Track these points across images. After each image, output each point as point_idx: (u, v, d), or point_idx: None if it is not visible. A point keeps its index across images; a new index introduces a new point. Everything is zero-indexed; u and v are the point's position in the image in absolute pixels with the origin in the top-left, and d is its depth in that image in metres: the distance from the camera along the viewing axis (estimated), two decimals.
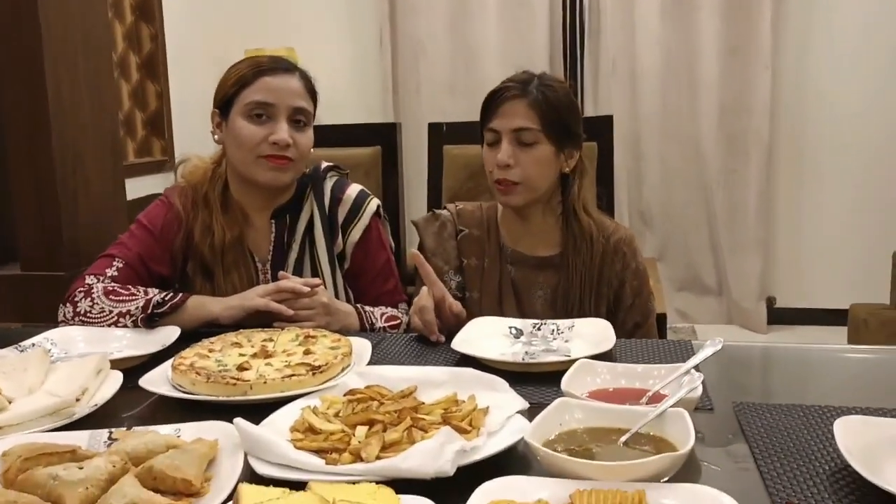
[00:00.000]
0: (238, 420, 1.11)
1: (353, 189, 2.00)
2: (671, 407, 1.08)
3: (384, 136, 2.39)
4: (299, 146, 1.84)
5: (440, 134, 2.41)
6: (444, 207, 2.08)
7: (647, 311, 1.94)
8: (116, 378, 1.41)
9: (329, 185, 1.98)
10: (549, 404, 1.14)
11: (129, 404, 1.38)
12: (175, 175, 1.99)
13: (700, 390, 1.17)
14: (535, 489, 0.94)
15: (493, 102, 1.87)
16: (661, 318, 2.26)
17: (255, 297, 1.72)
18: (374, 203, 2.01)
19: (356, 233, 1.96)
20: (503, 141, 1.84)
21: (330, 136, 2.37)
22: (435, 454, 1.01)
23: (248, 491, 0.92)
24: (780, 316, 4.64)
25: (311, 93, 1.91)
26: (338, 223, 1.95)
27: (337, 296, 1.92)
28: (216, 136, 1.91)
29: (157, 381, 1.41)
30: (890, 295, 3.75)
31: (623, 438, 1.06)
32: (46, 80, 2.33)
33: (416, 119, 4.67)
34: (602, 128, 2.27)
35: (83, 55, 2.48)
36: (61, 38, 2.40)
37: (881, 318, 3.61)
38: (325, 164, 2.01)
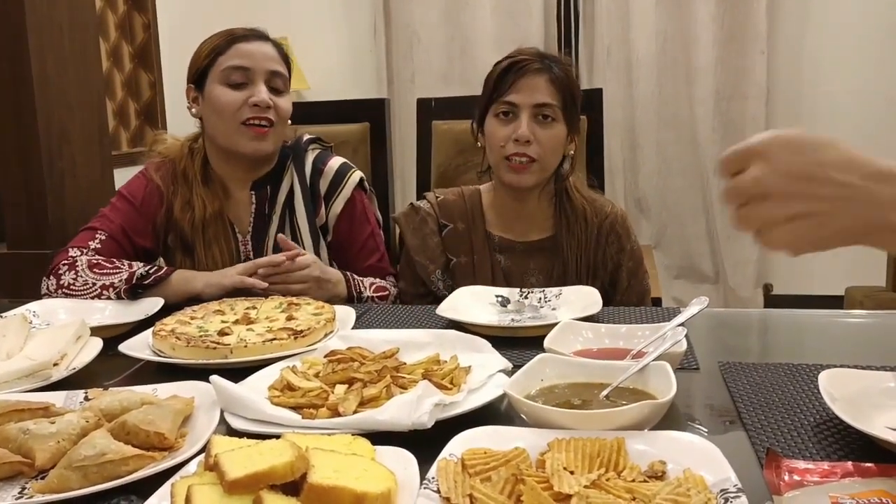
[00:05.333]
0: (214, 377, 1.09)
1: (336, 161, 1.98)
2: (653, 361, 1.06)
3: (372, 112, 2.36)
4: (279, 110, 1.82)
5: (429, 109, 2.38)
6: (424, 197, 2.00)
7: (644, 291, 1.91)
8: (96, 344, 1.39)
9: (311, 157, 1.95)
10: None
11: (109, 370, 1.37)
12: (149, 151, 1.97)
13: (684, 345, 1.15)
14: (512, 438, 0.92)
15: (508, 75, 1.79)
16: (657, 304, 2.24)
17: (233, 275, 1.70)
18: (356, 175, 1.98)
19: (338, 204, 1.94)
20: (522, 115, 1.76)
21: (317, 112, 2.36)
22: (412, 407, 0.99)
23: (220, 441, 0.90)
24: (777, 303, 4.61)
25: (286, 60, 1.89)
26: (320, 195, 1.93)
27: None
28: (193, 110, 1.89)
29: (137, 346, 1.39)
30: (886, 277, 3.73)
31: (604, 392, 1.04)
32: (31, 59, 2.31)
33: (411, 108, 4.64)
34: (592, 102, 2.25)
35: (69, 35, 2.45)
36: (46, 17, 2.37)
37: (877, 300, 3.59)
38: (307, 136, 1.99)
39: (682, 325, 1.21)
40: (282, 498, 0.78)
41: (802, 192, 0.86)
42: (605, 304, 1.54)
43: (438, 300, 1.79)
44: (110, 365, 1.37)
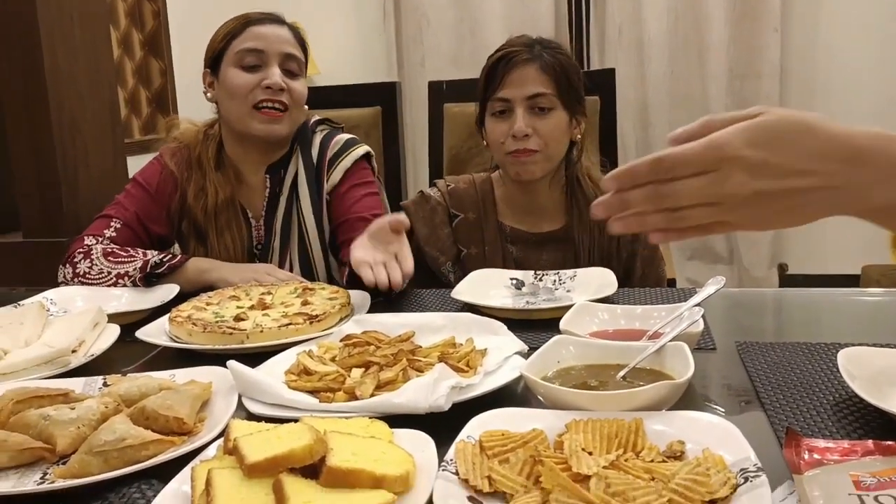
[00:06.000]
0: (232, 362, 1.09)
1: (344, 136, 1.96)
2: (670, 341, 1.06)
3: (384, 96, 2.35)
4: (293, 93, 1.81)
5: (440, 92, 2.37)
6: (434, 185, 1.97)
7: (659, 278, 1.88)
8: (113, 331, 1.40)
9: (319, 137, 1.93)
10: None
11: (127, 357, 1.37)
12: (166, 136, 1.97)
13: (701, 325, 1.14)
14: (530, 420, 0.92)
15: (498, 70, 1.76)
16: (671, 285, 2.22)
17: (248, 277, 1.69)
18: (362, 149, 1.93)
19: (337, 173, 1.88)
20: (517, 109, 1.74)
21: (328, 96, 2.35)
22: (429, 389, 0.99)
23: (239, 425, 0.91)
24: (791, 282, 4.59)
25: (301, 44, 1.88)
26: (325, 171, 1.89)
27: (323, 248, 1.89)
28: (209, 95, 1.89)
29: (154, 333, 1.40)
30: None
31: (621, 373, 1.04)
32: (42, 49, 2.31)
33: (422, 92, 4.62)
34: (605, 82, 2.23)
35: (80, 25, 2.45)
36: (57, 8, 2.37)
37: (894, 278, 3.56)
38: (315, 118, 1.98)
39: (698, 305, 1.20)
40: (301, 481, 0.79)
41: (777, 188, 0.80)
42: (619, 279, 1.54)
43: (450, 288, 1.79)
44: (128, 351, 1.38)
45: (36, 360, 1.25)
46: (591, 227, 1.82)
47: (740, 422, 0.88)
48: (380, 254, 1.50)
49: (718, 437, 0.85)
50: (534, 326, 1.35)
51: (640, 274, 1.85)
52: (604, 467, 0.79)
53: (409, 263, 1.49)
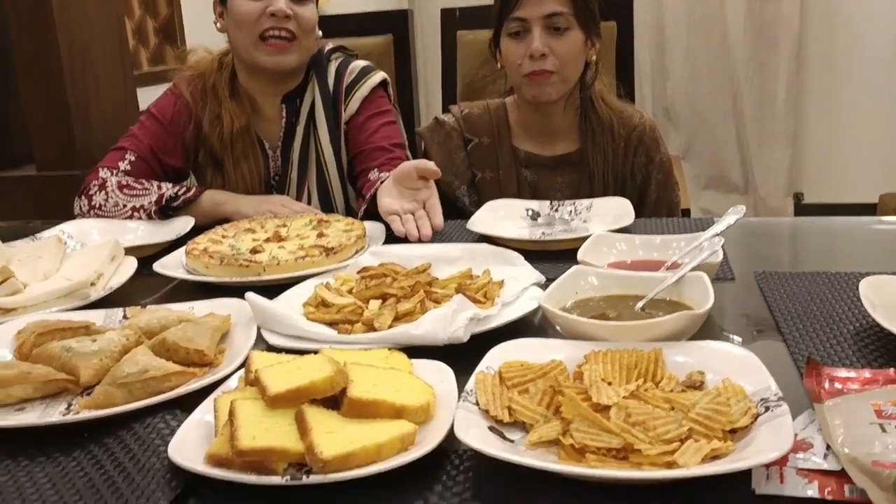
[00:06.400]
0: (250, 294, 1.10)
1: (360, 62, 1.92)
2: (690, 271, 1.05)
3: (396, 24, 2.31)
4: (300, 20, 1.76)
5: (453, 19, 2.32)
6: (448, 111, 1.95)
7: (673, 203, 1.88)
8: (131, 264, 1.41)
9: (334, 65, 1.89)
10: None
11: (144, 289, 1.38)
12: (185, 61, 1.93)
13: (721, 255, 1.14)
14: (549, 351, 0.92)
15: None
16: (686, 215, 2.21)
17: (263, 210, 1.69)
18: (378, 75, 1.89)
19: (355, 102, 1.85)
20: (534, 29, 1.70)
21: (338, 25, 2.30)
22: (447, 321, 0.99)
23: (259, 357, 0.91)
24: (807, 212, 4.55)
25: None
26: (342, 99, 1.86)
27: (342, 178, 1.89)
28: (218, 25, 1.84)
29: (171, 265, 1.41)
30: None
31: (640, 304, 1.03)
32: None
33: (434, 19, 4.53)
34: (621, 5, 2.18)
35: None
36: None
37: None
38: (329, 46, 1.94)
39: (718, 235, 1.19)
40: (323, 411, 0.79)
41: None
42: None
43: (465, 218, 1.78)
44: (146, 284, 1.39)
45: (55, 292, 1.26)
46: (605, 149, 1.81)
47: (759, 352, 0.88)
48: (408, 202, 1.50)
49: (738, 367, 0.85)
50: (550, 257, 1.34)
51: (654, 198, 1.84)
52: (624, 398, 0.79)
53: (438, 216, 1.49)
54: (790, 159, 4.48)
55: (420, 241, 1.44)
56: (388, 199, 1.50)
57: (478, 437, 0.75)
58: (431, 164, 1.51)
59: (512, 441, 0.79)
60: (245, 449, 0.73)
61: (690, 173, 4.64)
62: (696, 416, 0.76)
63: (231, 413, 0.78)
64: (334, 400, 0.81)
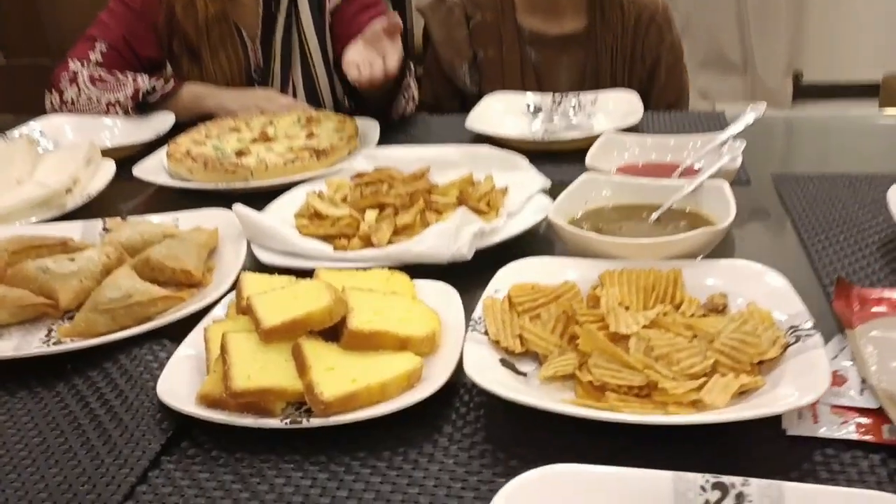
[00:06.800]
0: (238, 207, 1.02)
1: None
2: (708, 179, 0.98)
3: None
4: None
5: None
6: None
7: (682, 88, 1.79)
8: (109, 168, 1.32)
9: None
10: (568, 182, 1.05)
11: (125, 196, 1.31)
12: None
13: (739, 161, 1.06)
14: (560, 270, 0.87)
15: None
16: None
17: (249, 106, 1.59)
18: None
19: None
20: None
21: None
22: (451, 236, 0.93)
23: (251, 280, 0.85)
24: (806, 91, 4.43)
25: None
26: None
27: (328, 71, 1.78)
28: None
29: (151, 169, 1.32)
30: None
31: (655, 215, 0.97)
32: None
33: None
34: None
35: None
36: None
37: None
38: None
39: (735, 137, 1.12)
40: (321, 344, 0.74)
41: None
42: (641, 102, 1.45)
43: (466, 101, 1.69)
44: (125, 190, 1.31)
45: (30, 202, 1.18)
46: (614, 27, 1.70)
47: (782, 268, 0.82)
48: (370, 53, 1.41)
49: (763, 289, 0.80)
50: (555, 159, 1.27)
51: (662, 82, 1.74)
52: (644, 326, 0.74)
53: (391, 59, 1.41)
54: (790, 36, 4.33)
55: (371, 83, 1.38)
56: (352, 52, 1.41)
57: (489, 374, 0.70)
58: (396, 17, 1.42)
59: (524, 374, 0.74)
60: (240, 390, 0.68)
61: (688, 52, 4.48)
62: (722, 346, 0.71)
63: (223, 348, 0.73)
64: (334, 331, 0.76)
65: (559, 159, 1.25)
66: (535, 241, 1.01)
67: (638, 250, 0.87)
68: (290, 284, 0.81)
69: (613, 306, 0.77)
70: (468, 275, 0.89)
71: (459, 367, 0.72)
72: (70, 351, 0.81)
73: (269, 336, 0.73)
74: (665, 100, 1.73)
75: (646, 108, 1.44)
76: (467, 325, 0.77)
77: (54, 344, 0.86)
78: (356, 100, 1.64)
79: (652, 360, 0.70)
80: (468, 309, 0.81)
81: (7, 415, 0.76)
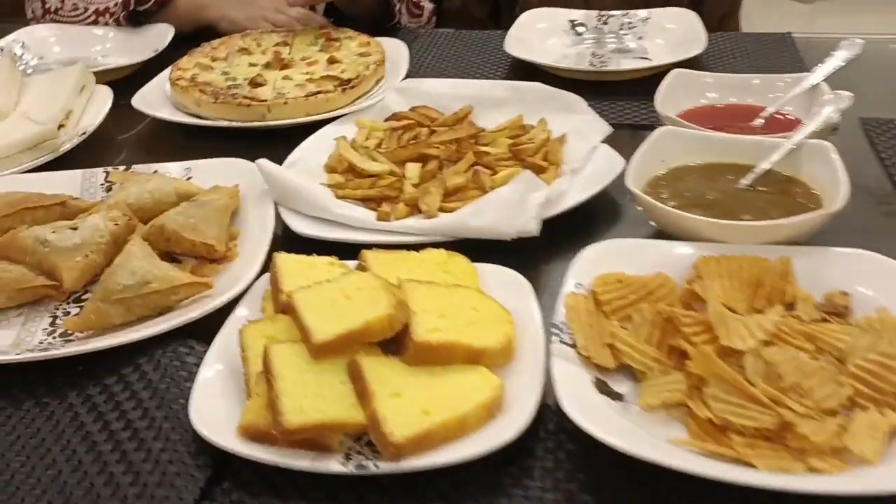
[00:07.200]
0: (262, 162, 0.89)
1: None
2: (808, 138, 0.85)
3: None
4: None
5: None
6: None
7: None
8: (104, 96, 1.17)
9: None
10: (632, 126, 0.95)
11: (123, 129, 1.17)
12: None
13: (838, 117, 0.92)
14: (645, 254, 0.75)
15: None
16: None
17: (256, 17, 1.42)
18: None
19: None
20: None
21: None
22: (514, 207, 0.80)
23: (288, 265, 0.72)
24: None
25: None
26: None
27: None
28: None
29: (153, 100, 1.17)
30: None
31: (746, 180, 0.84)
32: None
33: None
34: None
35: None
36: None
37: None
38: None
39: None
40: (381, 360, 0.63)
41: None
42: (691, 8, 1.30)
43: (497, 8, 1.52)
44: (124, 123, 1.17)
45: (18, 144, 1.04)
46: None
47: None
48: None
49: (892, 285, 0.68)
50: (606, 91, 1.12)
51: None
52: (762, 341, 0.63)
53: None
54: None
55: None
56: None
57: (589, 408, 0.59)
58: None
59: (621, 397, 0.63)
60: (293, 427, 0.57)
61: None
62: (858, 370, 0.60)
63: (266, 366, 0.61)
64: (392, 337, 0.64)
65: (611, 92, 1.12)
66: (602, 202, 0.89)
67: (740, 233, 0.75)
68: (337, 279, 0.69)
69: (721, 312, 0.65)
70: (531, 251, 0.79)
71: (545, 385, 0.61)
72: (81, 354, 0.70)
73: (321, 352, 0.62)
74: (719, 10, 1.53)
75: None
76: (547, 330, 0.66)
77: (60, 336, 0.74)
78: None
79: (779, 389, 0.59)
80: (542, 300, 0.70)
81: (8, 428, 0.65)
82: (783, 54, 1.23)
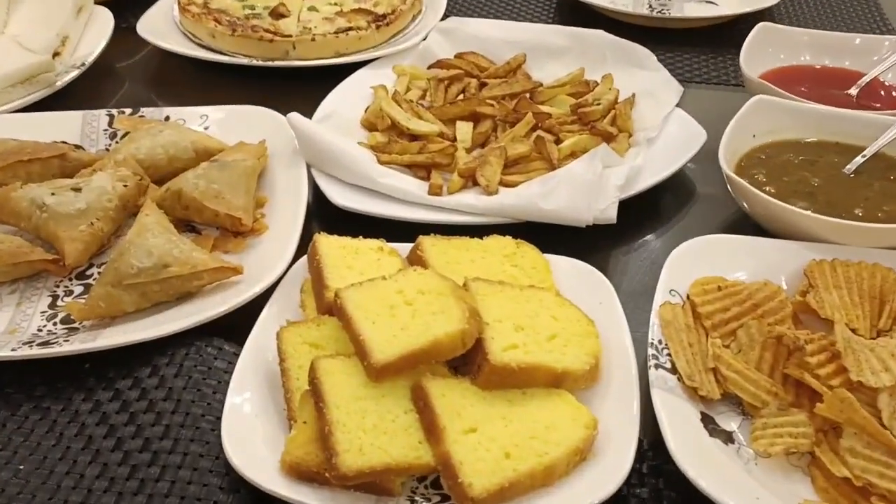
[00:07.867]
0: (294, 118, 0.77)
1: None
2: None
3: None
4: None
5: None
6: None
7: None
8: (104, 20, 1.04)
9: None
10: (705, 83, 0.86)
11: (125, 55, 1.04)
12: None
13: None
14: (744, 255, 0.65)
15: None
16: None
17: None
18: None
19: None
20: None
21: None
22: (591, 189, 0.69)
23: (331, 251, 0.62)
24: None
25: None
26: None
27: None
28: None
29: (160, 27, 1.03)
30: None
31: (853, 165, 0.73)
32: None
33: None
34: None
35: None
36: None
37: None
38: None
39: None
40: (450, 383, 0.53)
41: None
42: None
43: None
44: (126, 50, 1.04)
45: (9, 78, 0.90)
46: None
47: None
48: None
49: None
50: (669, 39, 1.00)
51: None
52: None
53: None
54: None
55: None
56: None
57: (697, 451, 0.50)
58: None
59: (732, 438, 0.53)
60: (352, 472, 0.47)
61: None
62: None
63: (315, 389, 0.51)
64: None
65: (675, 41, 1.00)
66: (679, 178, 0.78)
67: (859, 235, 0.64)
68: (393, 276, 0.58)
69: (849, 338, 0.55)
70: (598, 236, 0.70)
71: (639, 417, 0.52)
72: (89, 351, 0.59)
73: (382, 374, 0.52)
74: None
75: None
76: (649, 362, 0.56)
77: (62, 322, 0.64)
78: None
79: None
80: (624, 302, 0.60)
81: (3, 437, 0.55)
82: (865, 11, 1.10)
